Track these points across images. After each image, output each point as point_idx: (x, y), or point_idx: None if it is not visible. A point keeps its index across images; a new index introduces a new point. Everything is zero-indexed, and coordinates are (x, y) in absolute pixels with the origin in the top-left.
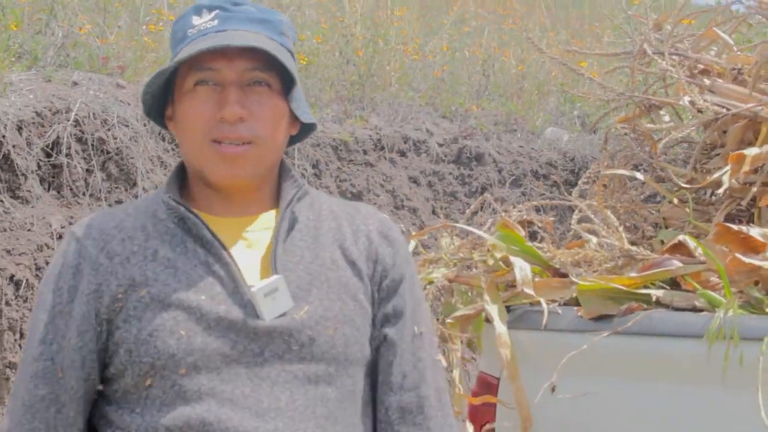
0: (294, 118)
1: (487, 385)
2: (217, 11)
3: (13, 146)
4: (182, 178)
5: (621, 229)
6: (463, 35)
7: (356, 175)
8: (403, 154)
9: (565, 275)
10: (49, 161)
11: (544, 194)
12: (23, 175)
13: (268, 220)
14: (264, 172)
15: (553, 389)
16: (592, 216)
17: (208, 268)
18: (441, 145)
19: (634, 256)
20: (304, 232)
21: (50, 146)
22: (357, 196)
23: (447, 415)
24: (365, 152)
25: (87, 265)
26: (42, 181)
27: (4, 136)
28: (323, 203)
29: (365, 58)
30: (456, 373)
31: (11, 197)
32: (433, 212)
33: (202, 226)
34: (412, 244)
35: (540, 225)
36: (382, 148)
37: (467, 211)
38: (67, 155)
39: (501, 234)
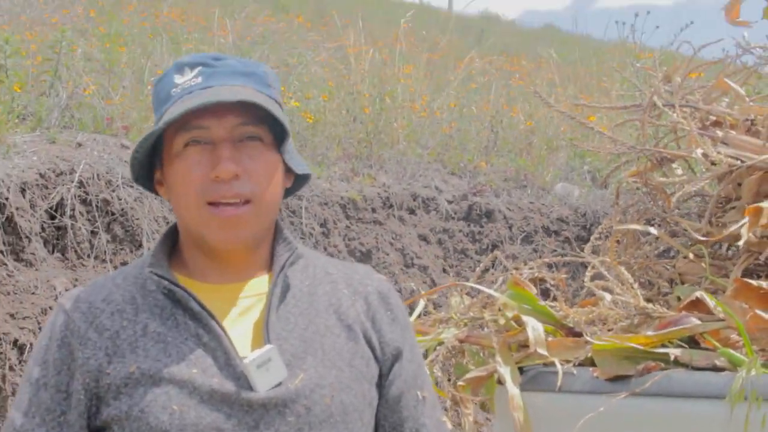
0: (287, 169)
1: None
2: (199, 68)
3: (17, 208)
4: (173, 241)
5: (636, 285)
6: (470, 92)
7: (365, 233)
8: (412, 211)
9: (579, 334)
10: (53, 223)
11: (555, 251)
12: (27, 237)
13: (261, 285)
14: (263, 230)
15: None
16: (605, 273)
17: (199, 341)
18: (450, 202)
19: (651, 314)
20: (298, 298)
21: (54, 208)
22: (366, 255)
23: None
24: (374, 210)
25: (75, 339)
26: (46, 243)
27: (7, 199)
28: (318, 265)
29: (372, 116)
30: None
31: (15, 260)
32: (444, 270)
33: (190, 298)
34: (422, 303)
35: (552, 283)
36: (391, 206)
37: (477, 269)
38: (71, 217)
39: (512, 292)
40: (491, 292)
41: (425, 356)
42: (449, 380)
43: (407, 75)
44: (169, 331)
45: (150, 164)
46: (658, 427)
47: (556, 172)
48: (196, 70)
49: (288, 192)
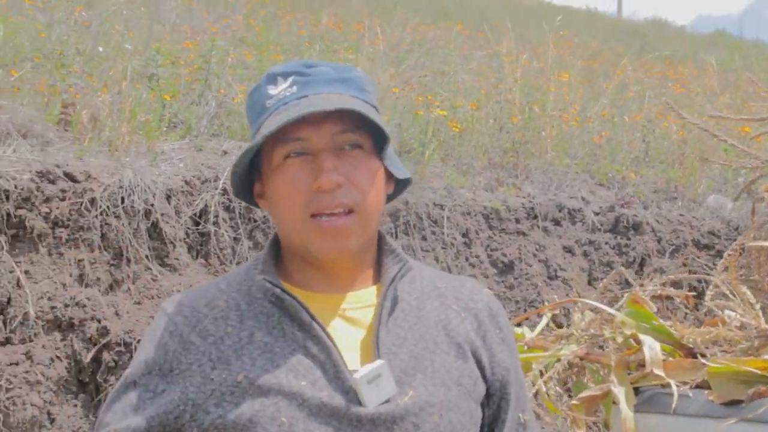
0: (389, 175)
1: None
2: (293, 77)
3: (162, 214)
4: (278, 251)
5: (758, 306)
6: (626, 100)
7: (508, 244)
8: (557, 222)
9: (697, 355)
10: (197, 229)
11: (707, 265)
12: (171, 243)
13: (368, 296)
14: (368, 239)
15: None
16: (728, 293)
17: (307, 352)
18: (597, 214)
19: None
20: (407, 312)
21: (198, 214)
22: (508, 266)
23: None
24: (517, 221)
25: (176, 342)
26: (190, 249)
27: (152, 205)
28: (425, 277)
29: (520, 125)
30: None
31: (160, 265)
32: (589, 283)
33: (300, 308)
34: (545, 318)
35: (680, 300)
36: (535, 217)
37: (600, 285)
38: (214, 223)
39: (630, 310)
40: (609, 309)
41: (544, 372)
42: (569, 397)
43: (561, 83)
44: (275, 341)
45: (249, 178)
46: None
47: (708, 183)
48: (289, 80)
49: (389, 198)
